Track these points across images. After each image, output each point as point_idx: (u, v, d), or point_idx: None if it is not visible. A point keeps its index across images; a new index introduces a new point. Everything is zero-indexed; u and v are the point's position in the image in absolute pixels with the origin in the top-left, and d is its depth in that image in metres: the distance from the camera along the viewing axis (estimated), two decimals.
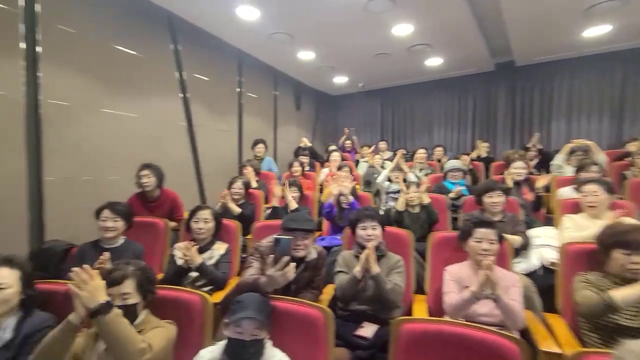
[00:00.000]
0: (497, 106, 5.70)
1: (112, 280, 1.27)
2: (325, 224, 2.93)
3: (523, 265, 2.17)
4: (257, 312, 1.10)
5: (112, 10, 3.14)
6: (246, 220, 2.77)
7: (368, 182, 4.36)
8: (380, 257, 1.83)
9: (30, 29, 2.56)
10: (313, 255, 1.71)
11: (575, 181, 2.91)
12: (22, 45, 2.51)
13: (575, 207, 2.46)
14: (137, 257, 2.07)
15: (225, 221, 2.32)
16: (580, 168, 3.09)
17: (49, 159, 2.65)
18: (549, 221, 3.02)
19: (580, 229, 2.20)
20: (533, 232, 2.42)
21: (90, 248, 2.02)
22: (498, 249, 1.69)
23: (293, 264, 1.28)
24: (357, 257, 1.80)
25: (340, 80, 6.12)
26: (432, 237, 2.06)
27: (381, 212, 3.27)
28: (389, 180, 3.62)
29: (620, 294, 1.35)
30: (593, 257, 1.65)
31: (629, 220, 2.04)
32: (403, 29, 3.89)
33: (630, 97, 4.68)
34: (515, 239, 2.21)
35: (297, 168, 3.91)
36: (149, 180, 2.68)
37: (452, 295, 1.61)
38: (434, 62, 5.10)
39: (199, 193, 4.11)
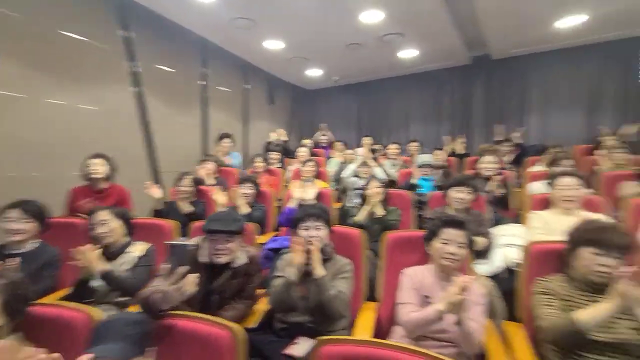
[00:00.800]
0: (474, 101, 5.56)
1: None
2: None
3: (486, 267, 1.99)
4: (118, 343, 0.86)
5: None
6: (196, 220, 2.52)
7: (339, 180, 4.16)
8: (325, 260, 1.62)
9: None
10: (242, 260, 1.48)
11: (549, 175, 2.76)
12: None
13: (544, 203, 2.30)
14: (50, 263, 1.81)
15: (159, 221, 2.07)
16: (552, 162, 2.95)
17: None
18: (518, 218, 2.87)
19: (549, 226, 2.04)
20: (499, 231, 2.25)
21: None
22: (466, 255, 1.48)
23: (194, 276, 1.05)
24: None
25: (314, 73, 5.88)
26: (387, 236, 1.85)
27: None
28: (357, 176, 3.42)
29: (590, 316, 1.16)
30: (560, 259, 1.46)
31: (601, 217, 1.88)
32: (372, 16, 3.67)
33: (604, 91, 4.60)
34: (479, 241, 2.03)
35: (259, 164, 3.66)
36: (99, 169, 2.49)
37: (410, 308, 1.39)
38: (409, 54, 4.92)
39: None
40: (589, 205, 2.16)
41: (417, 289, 1.47)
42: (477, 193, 2.31)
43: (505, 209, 2.94)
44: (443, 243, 1.46)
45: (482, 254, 2.08)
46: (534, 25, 3.92)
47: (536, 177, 2.99)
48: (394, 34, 4.14)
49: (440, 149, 4.13)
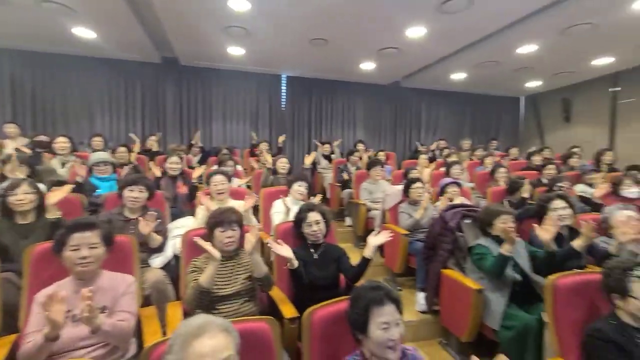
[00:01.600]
0: (166, 100, 5.72)
1: None
2: None
3: (160, 259, 2.17)
4: None
5: None
6: None
7: None
8: None
9: None
10: None
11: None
12: None
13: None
14: None
15: None
16: (220, 162, 3.65)
17: None
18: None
19: None
20: (176, 224, 2.51)
21: None
22: (103, 253, 1.45)
23: None
24: None
25: None
26: (30, 250, 1.56)
27: None
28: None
29: (204, 276, 1.54)
30: (208, 239, 1.84)
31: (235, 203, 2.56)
32: None
33: (262, 110, 6.23)
34: (156, 238, 2.16)
35: None
36: None
37: (29, 339, 1.22)
38: (84, 33, 4.24)
39: None
40: (237, 195, 2.88)
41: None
42: (152, 191, 2.42)
43: (190, 203, 3.29)
44: (73, 250, 1.38)
45: (158, 249, 2.23)
46: (210, 44, 4.59)
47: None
48: (58, 4, 3.41)
49: (125, 146, 3.89)
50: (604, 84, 5.64)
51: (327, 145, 5.64)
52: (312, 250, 2.01)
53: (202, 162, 4.84)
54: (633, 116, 5.31)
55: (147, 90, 5.63)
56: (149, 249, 2.15)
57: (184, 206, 3.19)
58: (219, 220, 1.73)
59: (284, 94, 6.36)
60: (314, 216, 2.01)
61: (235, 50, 4.80)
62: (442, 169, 4.35)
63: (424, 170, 4.64)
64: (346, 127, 6.69)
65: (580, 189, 3.68)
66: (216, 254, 1.55)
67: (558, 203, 2.32)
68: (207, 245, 1.57)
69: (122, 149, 3.72)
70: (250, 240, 1.62)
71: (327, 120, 6.58)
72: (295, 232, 2.08)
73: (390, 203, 3.30)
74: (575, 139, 5.80)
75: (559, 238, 2.28)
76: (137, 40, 4.50)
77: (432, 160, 5.53)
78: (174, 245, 2.23)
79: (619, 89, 5.50)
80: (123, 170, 3.36)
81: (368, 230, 3.80)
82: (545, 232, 2.03)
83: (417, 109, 7.07)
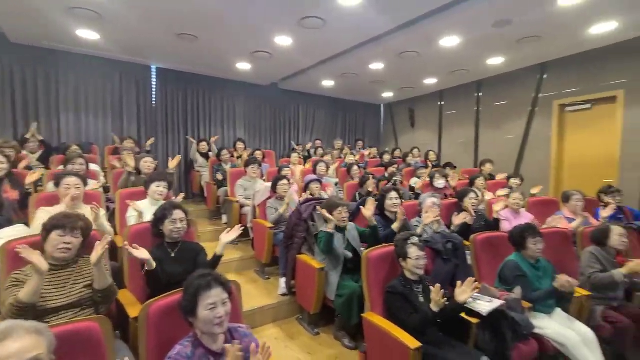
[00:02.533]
0: None
1: None
2: None
3: None
4: None
5: None
6: None
7: None
8: None
9: None
10: None
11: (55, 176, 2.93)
12: None
13: (54, 200, 2.48)
14: None
15: None
16: (67, 161, 3.23)
17: None
18: None
19: None
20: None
21: None
22: None
23: None
24: None
25: None
26: None
27: None
28: None
29: (25, 292, 1.40)
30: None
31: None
32: None
33: (128, 103, 5.59)
34: None
35: None
36: None
37: None
38: None
39: None
40: (88, 198, 2.63)
41: None
42: None
43: (23, 211, 2.81)
44: None
45: None
46: (52, 24, 3.89)
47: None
48: None
49: None
50: (435, 98, 7.18)
51: (204, 143, 5.52)
52: (169, 249, 2.05)
53: (43, 160, 4.12)
54: (453, 125, 6.94)
55: None
56: None
57: (15, 214, 2.72)
58: (60, 223, 1.62)
59: (155, 87, 5.87)
60: (179, 214, 2.06)
61: (87, 34, 4.22)
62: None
63: (296, 167, 5.05)
64: (226, 126, 6.63)
65: (414, 181, 4.66)
66: (43, 265, 1.41)
67: (393, 194, 2.95)
68: (33, 256, 1.40)
69: None
70: (97, 250, 1.57)
71: (206, 118, 6.37)
72: (154, 230, 2.08)
73: (260, 199, 3.54)
74: (417, 142, 7.20)
75: (389, 220, 2.92)
76: None
77: (307, 158, 6.05)
78: None
79: (443, 103, 7.09)
80: None
81: (241, 227, 3.97)
82: (366, 210, 2.60)
83: (295, 110, 7.52)
